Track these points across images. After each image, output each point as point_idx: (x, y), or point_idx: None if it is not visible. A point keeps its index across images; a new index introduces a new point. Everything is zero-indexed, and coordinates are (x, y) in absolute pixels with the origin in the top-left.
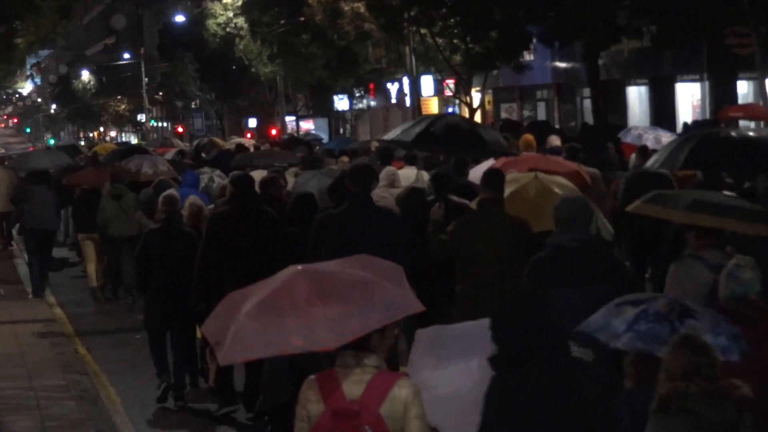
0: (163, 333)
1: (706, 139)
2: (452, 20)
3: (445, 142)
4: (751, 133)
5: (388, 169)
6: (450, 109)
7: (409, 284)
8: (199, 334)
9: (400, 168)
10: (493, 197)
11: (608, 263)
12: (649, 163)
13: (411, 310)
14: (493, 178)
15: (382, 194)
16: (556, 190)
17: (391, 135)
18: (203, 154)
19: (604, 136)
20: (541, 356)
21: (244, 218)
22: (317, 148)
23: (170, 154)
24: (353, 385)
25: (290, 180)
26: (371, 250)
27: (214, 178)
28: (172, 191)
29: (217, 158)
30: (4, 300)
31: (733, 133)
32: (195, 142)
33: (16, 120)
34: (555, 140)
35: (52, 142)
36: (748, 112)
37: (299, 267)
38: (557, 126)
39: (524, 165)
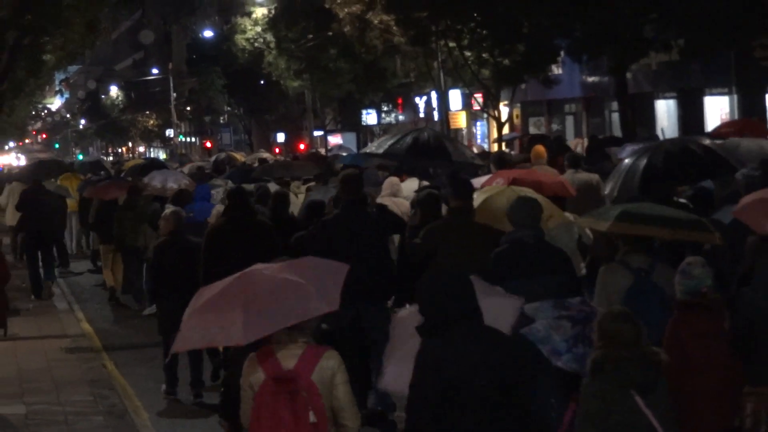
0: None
1: (665, 152)
2: (480, 33)
3: (411, 154)
4: (705, 142)
5: (391, 179)
6: (478, 123)
7: (398, 282)
8: None
9: (403, 180)
10: (462, 205)
11: (559, 257)
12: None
13: (325, 310)
14: (462, 187)
15: (386, 202)
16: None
17: (371, 148)
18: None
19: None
20: (458, 325)
21: (239, 229)
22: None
23: (188, 168)
24: (287, 358)
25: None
26: (362, 250)
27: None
28: (175, 207)
29: (234, 173)
30: (33, 315)
31: (691, 145)
32: (213, 158)
33: (45, 135)
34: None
35: (80, 157)
36: (736, 127)
37: (246, 272)
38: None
39: (511, 176)
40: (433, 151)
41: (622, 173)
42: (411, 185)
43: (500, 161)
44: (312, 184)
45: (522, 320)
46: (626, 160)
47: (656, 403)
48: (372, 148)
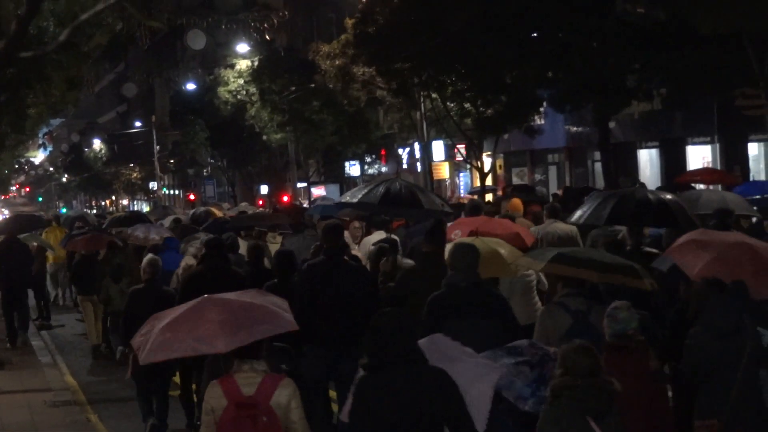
0: (149, 382)
1: (625, 198)
2: (463, 84)
3: (384, 204)
4: (666, 195)
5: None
6: (461, 174)
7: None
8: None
9: (371, 233)
10: (434, 250)
11: (494, 301)
12: (574, 217)
13: (288, 328)
14: (434, 233)
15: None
16: (497, 248)
17: (345, 197)
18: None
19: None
20: (395, 364)
21: (214, 277)
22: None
23: (168, 221)
24: (247, 386)
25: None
26: (340, 294)
27: None
28: (152, 256)
29: (211, 225)
30: (16, 368)
31: (650, 195)
32: (191, 212)
33: (28, 189)
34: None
35: (64, 210)
36: (703, 176)
37: (207, 297)
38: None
39: (471, 226)
40: (405, 200)
41: (592, 205)
42: (375, 238)
43: (474, 210)
44: (287, 233)
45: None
46: (597, 198)
47: (609, 428)
48: (347, 197)
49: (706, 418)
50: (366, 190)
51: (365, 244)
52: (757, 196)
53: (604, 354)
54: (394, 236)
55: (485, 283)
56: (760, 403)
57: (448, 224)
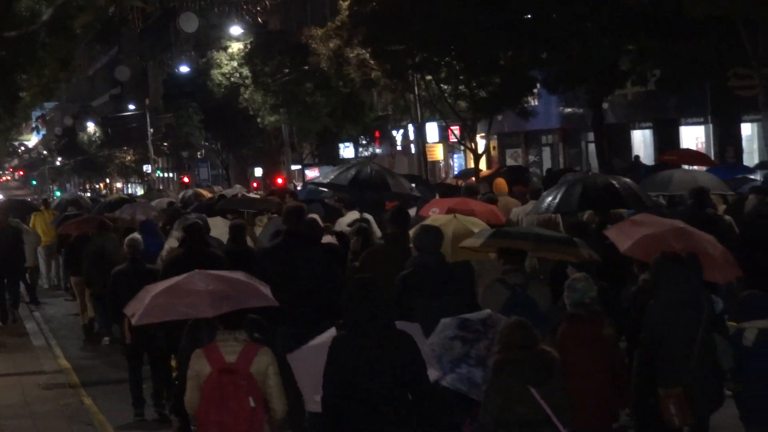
0: (140, 356)
1: (590, 184)
2: (457, 66)
3: (353, 186)
4: (625, 179)
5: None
6: (455, 155)
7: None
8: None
9: (344, 214)
10: (398, 231)
11: (458, 280)
12: (543, 206)
13: (267, 302)
14: (398, 215)
15: None
16: (473, 228)
17: (318, 179)
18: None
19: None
20: (369, 326)
21: (194, 259)
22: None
23: (157, 203)
24: (229, 354)
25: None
26: (301, 275)
27: None
28: (133, 236)
29: (198, 208)
30: (9, 352)
31: (614, 181)
32: (180, 194)
33: (22, 172)
34: None
35: (57, 193)
36: (683, 157)
37: (198, 270)
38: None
39: (448, 204)
40: (375, 183)
41: (558, 193)
42: (349, 218)
43: (469, 192)
44: (274, 216)
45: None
46: (562, 186)
47: (551, 394)
48: (320, 178)
49: (669, 387)
50: (338, 172)
51: (339, 225)
52: (739, 176)
53: (563, 324)
54: (366, 215)
55: (449, 262)
56: (715, 365)
57: (426, 204)
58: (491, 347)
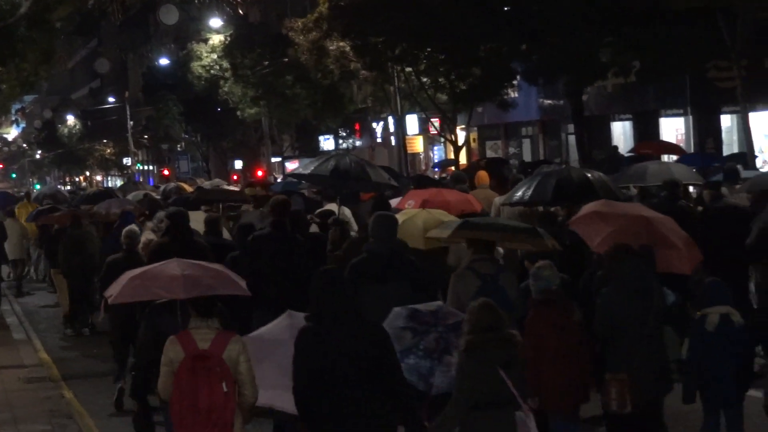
0: (126, 344)
1: (564, 177)
2: (436, 58)
3: (334, 177)
4: (598, 173)
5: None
6: (435, 147)
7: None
8: None
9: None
10: None
11: (408, 266)
12: (516, 197)
13: (240, 292)
14: (380, 206)
15: None
16: (442, 219)
17: (298, 170)
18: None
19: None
20: (335, 316)
21: (178, 247)
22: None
23: (133, 196)
24: (202, 341)
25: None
26: (283, 263)
27: None
28: (132, 227)
29: (177, 201)
30: None
31: (588, 174)
32: (162, 188)
33: (1, 165)
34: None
35: (37, 186)
36: (659, 149)
37: (176, 258)
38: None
39: (423, 196)
40: (354, 174)
41: (532, 185)
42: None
43: (457, 180)
44: (248, 208)
45: None
46: (540, 174)
47: (514, 375)
48: (300, 170)
49: (616, 372)
50: (317, 163)
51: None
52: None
53: (531, 310)
54: (344, 207)
55: (401, 250)
56: (663, 355)
57: (402, 196)
58: (440, 339)
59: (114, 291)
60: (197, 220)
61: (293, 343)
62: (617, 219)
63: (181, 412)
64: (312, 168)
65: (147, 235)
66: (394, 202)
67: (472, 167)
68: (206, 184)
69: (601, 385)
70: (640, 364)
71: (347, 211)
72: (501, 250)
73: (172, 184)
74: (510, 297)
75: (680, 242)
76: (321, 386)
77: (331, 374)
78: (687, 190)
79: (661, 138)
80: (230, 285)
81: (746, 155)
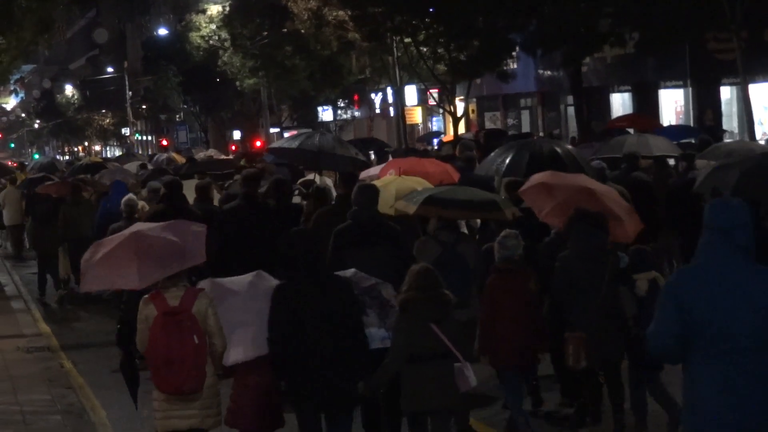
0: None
1: (536, 152)
2: (436, 29)
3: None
4: (567, 146)
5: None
6: (434, 118)
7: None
8: None
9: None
10: (346, 192)
11: (389, 232)
12: (493, 166)
13: (197, 261)
14: (347, 178)
15: None
16: (416, 187)
17: (280, 143)
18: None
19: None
20: (305, 272)
21: (173, 214)
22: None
23: (133, 166)
24: (172, 298)
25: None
26: (255, 234)
27: None
28: (131, 195)
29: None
30: None
31: (557, 148)
32: (154, 158)
33: (0, 135)
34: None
35: (36, 156)
36: (629, 122)
37: (135, 232)
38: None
39: (402, 166)
40: (326, 150)
41: (506, 157)
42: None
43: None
44: (236, 178)
45: None
46: (509, 150)
47: (448, 331)
48: (278, 144)
49: (574, 331)
50: (294, 139)
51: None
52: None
53: (492, 275)
54: (325, 177)
55: (382, 217)
56: (620, 314)
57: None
58: (381, 314)
59: (84, 270)
60: (190, 188)
61: (247, 298)
62: (562, 191)
63: (157, 363)
64: (285, 145)
65: (141, 204)
66: (377, 170)
67: (456, 140)
68: (201, 154)
69: (554, 346)
70: (596, 324)
71: (328, 181)
72: None
73: (164, 155)
74: (468, 263)
75: (622, 212)
76: (294, 338)
77: (305, 327)
78: (665, 161)
79: (660, 109)
80: (185, 258)
81: (721, 130)
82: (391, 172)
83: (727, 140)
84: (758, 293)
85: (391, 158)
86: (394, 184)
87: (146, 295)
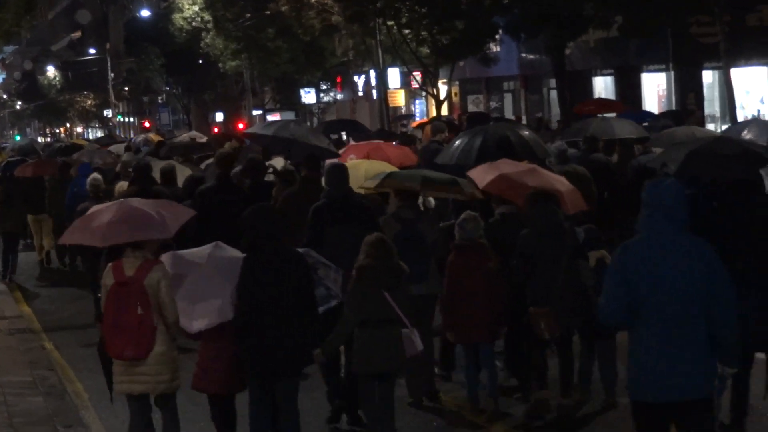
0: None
1: (489, 138)
2: (419, 11)
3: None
4: (524, 131)
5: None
6: (417, 101)
7: None
8: None
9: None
10: (312, 175)
11: (360, 210)
12: (445, 158)
13: (164, 235)
14: (313, 161)
15: None
16: (383, 169)
17: (255, 129)
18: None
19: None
20: (265, 245)
21: (142, 196)
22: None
23: (120, 148)
24: (129, 269)
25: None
26: (228, 214)
27: None
28: (95, 175)
29: (149, 153)
30: None
31: (509, 133)
32: (133, 139)
33: None
34: None
35: (17, 138)
36: (599, 107)
37: (121, 200)
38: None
39: (364, 150)
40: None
41: (460, 146)
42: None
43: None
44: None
45: None
46: (466, 136)
47: (400, 299)
48: (253, 129)
49: (540, 308)
50: (270, 126)
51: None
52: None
53: (453, 253)
54: (289, 161)
55: (354, 195)
56: (580, 285)
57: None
58: (332, 292)
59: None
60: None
61: (209, 268)
62: (506, 166)
63: (108, 330)
64: (259, 130)
65: (121, 183)
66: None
67: (424, 124)
68: (185, 136)
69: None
70: (558, 297)
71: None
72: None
73: (141, 136)
74: (427, 240)
75: (564, 189)
76: (256, 308)
77: (265, 293)
78: (629, 144)
79: (642, 93)
80: (154, 229)
81: (680, 113)
82: (351, 157)
83: (673, 128)
84: (694, 263)
85: (351, 142)
86: (363, 165)
87: (110, 264)
